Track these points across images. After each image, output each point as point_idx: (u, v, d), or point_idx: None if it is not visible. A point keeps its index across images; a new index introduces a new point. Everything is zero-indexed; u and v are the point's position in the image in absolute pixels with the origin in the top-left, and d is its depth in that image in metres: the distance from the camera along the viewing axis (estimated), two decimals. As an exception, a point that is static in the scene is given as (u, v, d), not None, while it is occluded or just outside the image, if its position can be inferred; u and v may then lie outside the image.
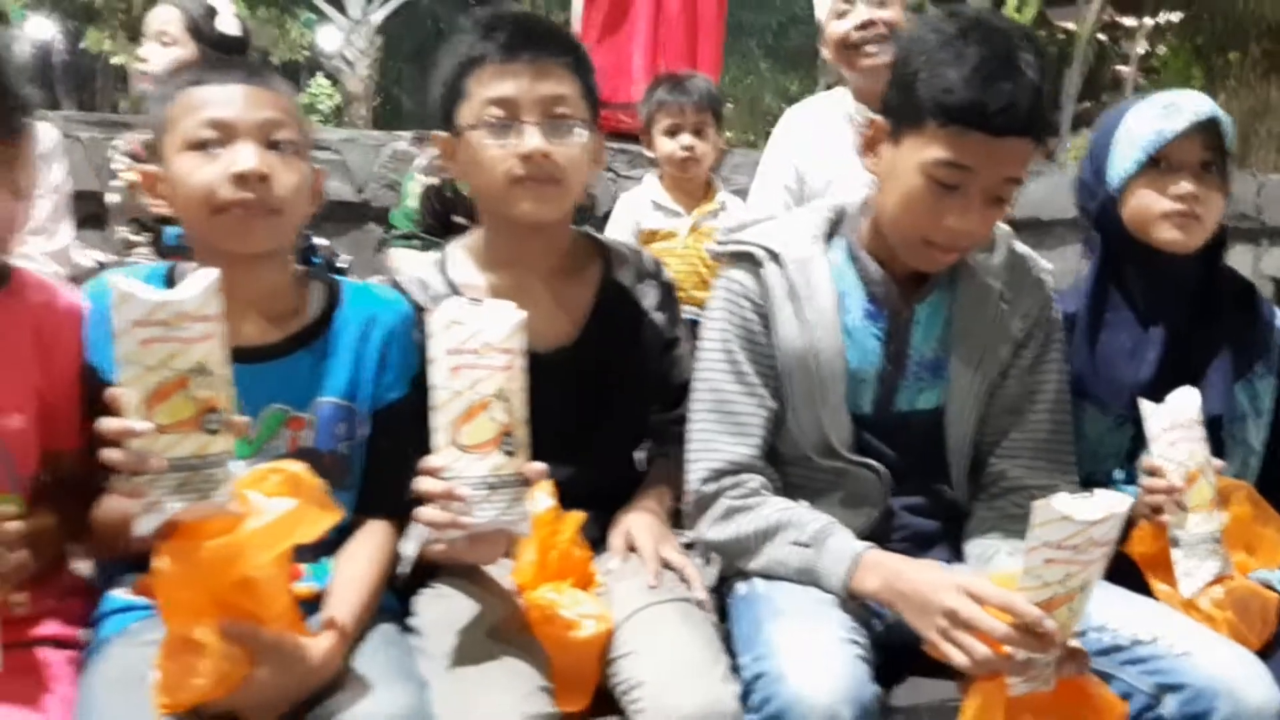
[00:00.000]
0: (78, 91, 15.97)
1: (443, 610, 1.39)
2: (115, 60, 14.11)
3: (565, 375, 1.54)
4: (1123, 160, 1.59)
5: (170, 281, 1.39)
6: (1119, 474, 1.65)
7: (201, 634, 1.17)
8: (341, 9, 15.07)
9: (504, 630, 1.35)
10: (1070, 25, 14.25)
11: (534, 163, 1.46)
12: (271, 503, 1.20)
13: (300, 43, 15.72)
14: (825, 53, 2.94)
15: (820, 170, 2.53)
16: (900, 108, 1.40)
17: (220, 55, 2.26)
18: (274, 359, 1.39)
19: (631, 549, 1.52)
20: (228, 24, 2.55)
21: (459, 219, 2.40)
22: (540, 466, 1.28)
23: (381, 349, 1.44)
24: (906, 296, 1.53)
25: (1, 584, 1.16)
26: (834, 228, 1.57)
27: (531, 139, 1.46)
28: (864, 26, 2.72)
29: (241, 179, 1.31)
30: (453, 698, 1.25)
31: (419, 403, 1.37)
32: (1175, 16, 14.31)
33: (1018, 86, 1.33)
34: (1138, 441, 1.59)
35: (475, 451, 1.25)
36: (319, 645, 1.23)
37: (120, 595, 1.35)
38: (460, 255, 1.61)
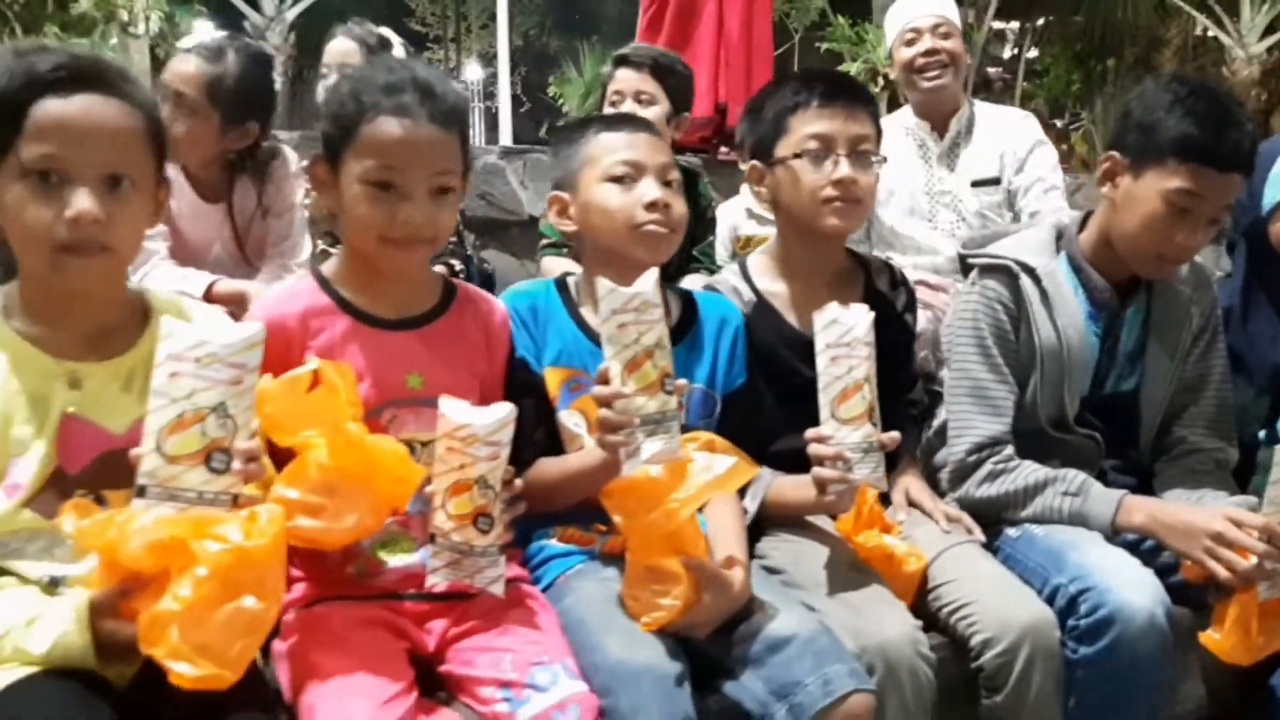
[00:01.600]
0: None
1: (796, 552, 1.72)
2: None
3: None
4: (1273, 191, 2.02)
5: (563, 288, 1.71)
6: (1261, 434, 2.07)
7: (671, 565, 1.49)
8: (255, 6, 14.91)
9: (855, 564, 1.69)
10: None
11: (843, 187, 1.80)
12: (716, 459, 1.52)
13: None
14: (893, 73, 3.36)
15: (882, 180, 2.93)
16: (1142, 148, 1.79)
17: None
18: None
19: (910, 504, 1.88)
20: (399, 54, 2.79)
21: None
22: (895, 435, 1.62)
23: (731, 344, 1.76)
24: (1118, 300, 1.93)
25: (505, 528, 1.45)
26: (1056, 243, 1.95)
27: (843, 168, 1.80)
28: (928, 54, 3.16)
29: (652, 206, 1.63)
30: (843, 614, 1.58)
31: (755, 387, 1.72)
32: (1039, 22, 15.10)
33: (1241, 134, 1.73)
34: (1276, 409, 2.03)
35: (852, 424, 1.59)
36: (738, 575, 1.54)
37: (554, 544, 1.64)
38: (759, 265, 1.93)
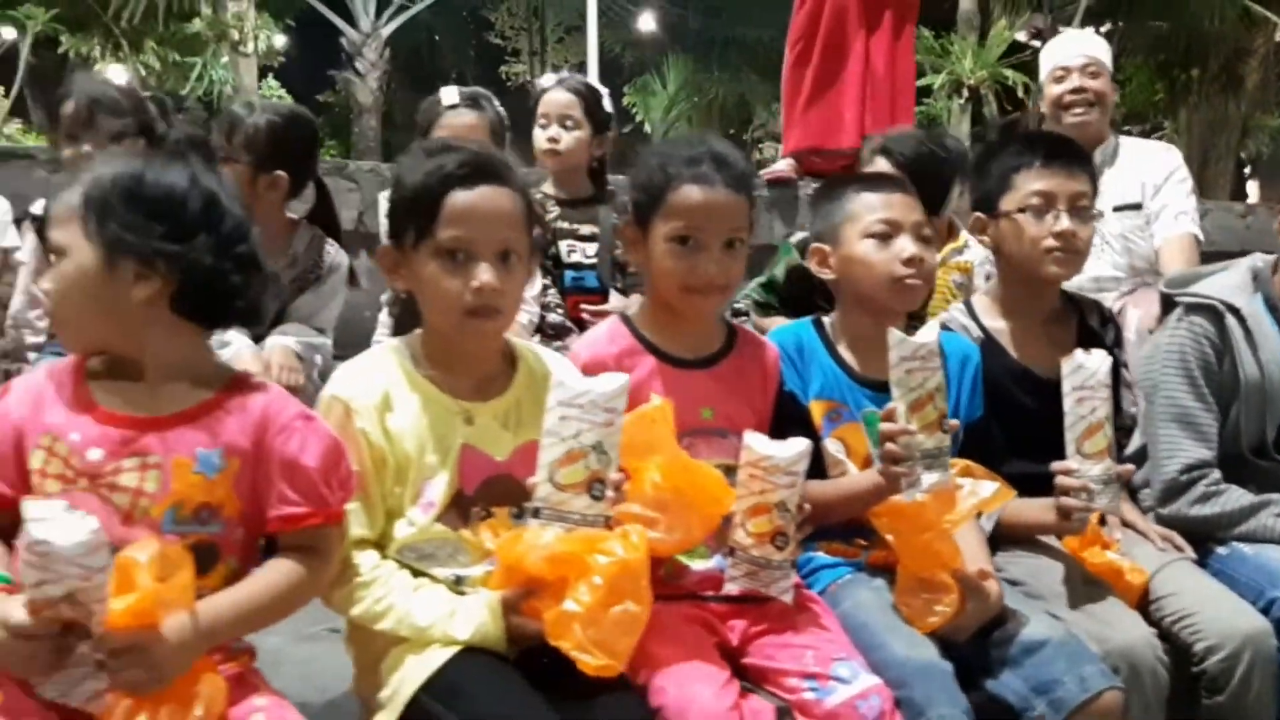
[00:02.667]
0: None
1: (1033, 566, 1.94)
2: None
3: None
4: None
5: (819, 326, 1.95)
6: None
7: (942, 576, 1.71)
8: (352, 22, 15.42)
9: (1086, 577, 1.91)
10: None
11: (1064, 239, 2.01)
12: (981, 484, 1.74)
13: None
14: (1042, 107, 3.56)
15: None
16: None
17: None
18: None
19: (1124, 525, 2.08)
20: (607, 104, 3.04)
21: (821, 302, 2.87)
22: (1130, 467, 1.83)
23: (972, 379, 1.98)
24: (1310, 336, 2.12)
25: (797, 545, 1.69)
26: (1253, 284, 2.15)
27: (1064, 222, 2.01)
28: (1076, 92, 3.36)
29: (909, 261, 1.85)
30: (1084, 622, 1.79)
31: (988, 417, 1.94)
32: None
33: None
34: None
35: (1094, 459, 1.79)
36: (993, 586, 1.76)
37: (821, 555, 1.87)
38: (983, 305, 2.15)
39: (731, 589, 1.67)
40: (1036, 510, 1.89)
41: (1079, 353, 1.81)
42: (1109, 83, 3.50)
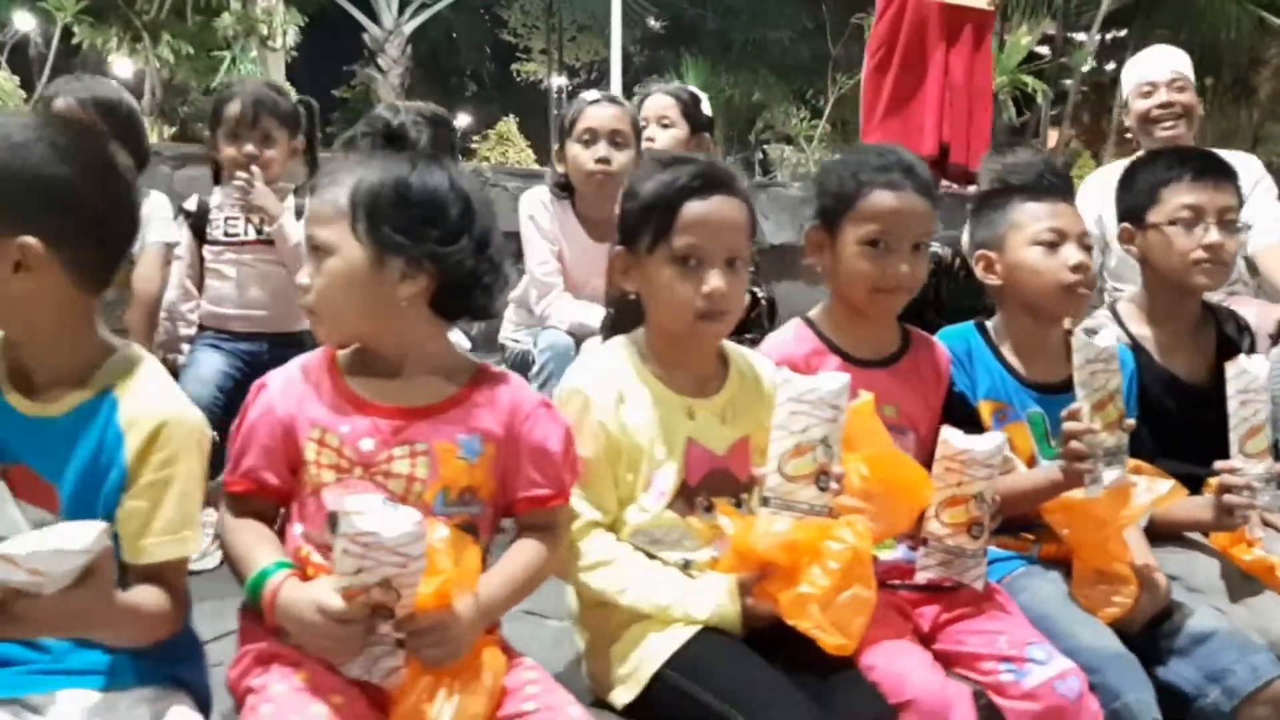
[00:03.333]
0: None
1: (1187, 562, 2.03)
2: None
3: (1209, 402, 2.19)
4: None
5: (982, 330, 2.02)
6: None
7: (1121, 569, 1.81)
8: (375, 19, 15.49)
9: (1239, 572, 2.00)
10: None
11: (1213, 251, 2.10)
12: (1157, 482, 1.84)
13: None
14: (1128, 121, 3.65)
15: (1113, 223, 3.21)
16: None
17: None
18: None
19: (1265, 524, 2.17)
20: (706, 108, 3.13)
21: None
22: (1287, 469, 1.92)
23: (1128, 384, 2.06)
24: None
25: (989, 535, 1.78)
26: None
27: (1212, 234, 2.10)
28: (1163, 106, 3.46)
29: (1077, 268, 1.94)
30: (1244, 614, 1.88)
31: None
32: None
33: None
34: None
35: (1256, 458, 1.88)
36: (1162, 579, 1.86)
37: (993, 548, 1.96)
38: (1128, 311, 2.24)
39: (922, 578, 1.76)
40: (1192, 508, 1.98)
41: (1242, 358, 1.91)
42: (1194, 95, 3.60)
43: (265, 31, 12.76)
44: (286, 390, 1.47)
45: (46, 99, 2.52)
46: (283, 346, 2.52)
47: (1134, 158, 2.30)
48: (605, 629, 1.60)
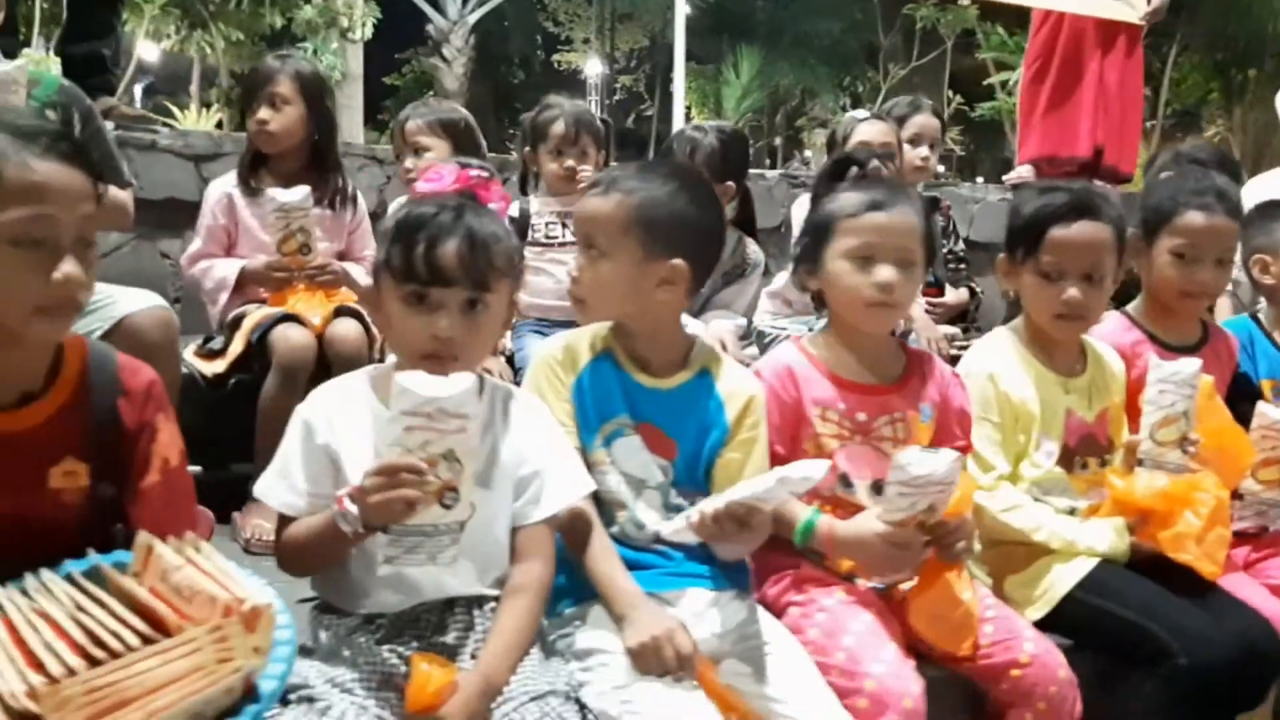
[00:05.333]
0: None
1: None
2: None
3: None
4: None
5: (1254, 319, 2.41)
6: None
7: None
8: (440, 9, 15.85)
9: None
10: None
11: None
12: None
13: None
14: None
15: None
16: None
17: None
18: None
19: None
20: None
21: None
22: None
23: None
24: None
25: None
26: None
27: None
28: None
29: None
30: None
31: None
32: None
33: None
34: None
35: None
36: None
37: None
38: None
39: (1239, 525, 2.14)
40: None
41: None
42: None
43: (345, 24, 13.15)
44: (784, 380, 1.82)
45: (400, 121, 2.92)
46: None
47: None
48: (1008, 562, 1.99)
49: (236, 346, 2.61)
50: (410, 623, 1.47)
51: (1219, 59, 16.68)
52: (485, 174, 1.53)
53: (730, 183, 2.94)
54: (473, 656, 1.46)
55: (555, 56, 23.41)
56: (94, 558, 1.28)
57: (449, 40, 15.93)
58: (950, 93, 17.11)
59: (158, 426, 1.42)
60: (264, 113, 2.73)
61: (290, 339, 2.51)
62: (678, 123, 13.21)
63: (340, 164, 2.88)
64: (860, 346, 1.85)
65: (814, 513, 1.71)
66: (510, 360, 2.81)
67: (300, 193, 2.61)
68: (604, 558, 1.59)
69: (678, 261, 1.64)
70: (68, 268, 1.28)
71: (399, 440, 1.31)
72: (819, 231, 1.81)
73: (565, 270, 2.99)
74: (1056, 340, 2.06)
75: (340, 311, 2.65)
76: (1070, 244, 1.98)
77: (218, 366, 2.62)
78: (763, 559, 1.78)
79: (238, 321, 2.64)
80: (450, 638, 1.48)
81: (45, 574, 1.25)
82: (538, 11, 21.25)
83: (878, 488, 1.72)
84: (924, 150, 3.34)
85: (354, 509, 1.34)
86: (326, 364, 2.57)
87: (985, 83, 15.49)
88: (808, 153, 21.04)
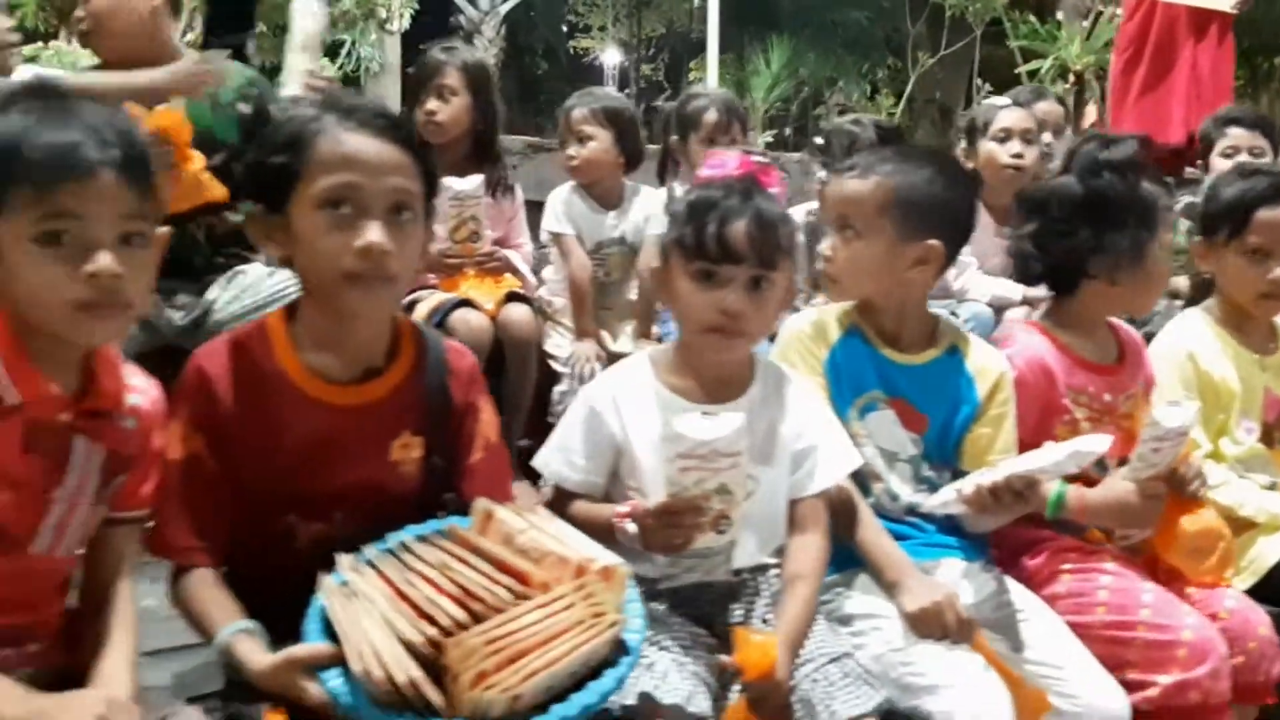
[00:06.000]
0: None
1: None
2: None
3: None
4: None
5: None
6: None
7: None
8: (472, 0, 15.88)
9: None
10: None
11: None
12: None
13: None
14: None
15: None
16: None
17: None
18: None
19: None
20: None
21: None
22: None
23: None
24: None
25: None
26: None
27: None
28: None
29: None
30: None
31: None
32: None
33: None
34: None
35: None
36: None
37: None
38: None
39: None
40: None
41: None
42: None
43: (384, 15, 13.20)
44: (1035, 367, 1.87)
45: (566, 109, 2.98)
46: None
47: None
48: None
49: (413, 331, 2.68)
50: (703, 589, 1.54)
51: (1245, 46, 16.64)
52: (764, 160, 1.59)
53: None
54: (763, 621, 1.53)
55: (571, 43, 23.44)
56: (439, 521, 1.35)
57: (480, 31, 15.93)
58: (979, 80, 17.12)
59: (480, 406, 1.50)
60: (432, 104, 2.79)
61: (470, 322, 2.58)
62: (711, 112, 13.18)
63: (501, 154, 2.95)
64: (1094, 327, 1.91)
65: (1061, 484, 1.77)
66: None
67: (474, 181, 2.68)
68: (870, 527, 1.66)
69: (934, 242, 1.71)
70: (372, 235, 1.29)
71: (676, 480, 1.39)
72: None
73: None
74: (1253, 319, 2.12)
75: (511, 297, 2.72)
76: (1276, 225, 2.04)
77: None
78: (1008, 534, 1.81)
79: (411, 306, 2.71)
80: (739, 606, 1.56)
81: (404, 536, 1.32)
82: (562, 2, 21.23)
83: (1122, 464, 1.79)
84: (1047, 137, 3.39)
85: (633, 529, 1.43)
86: (499, 348, 2.65)
87: (1016, 71, 15.51)
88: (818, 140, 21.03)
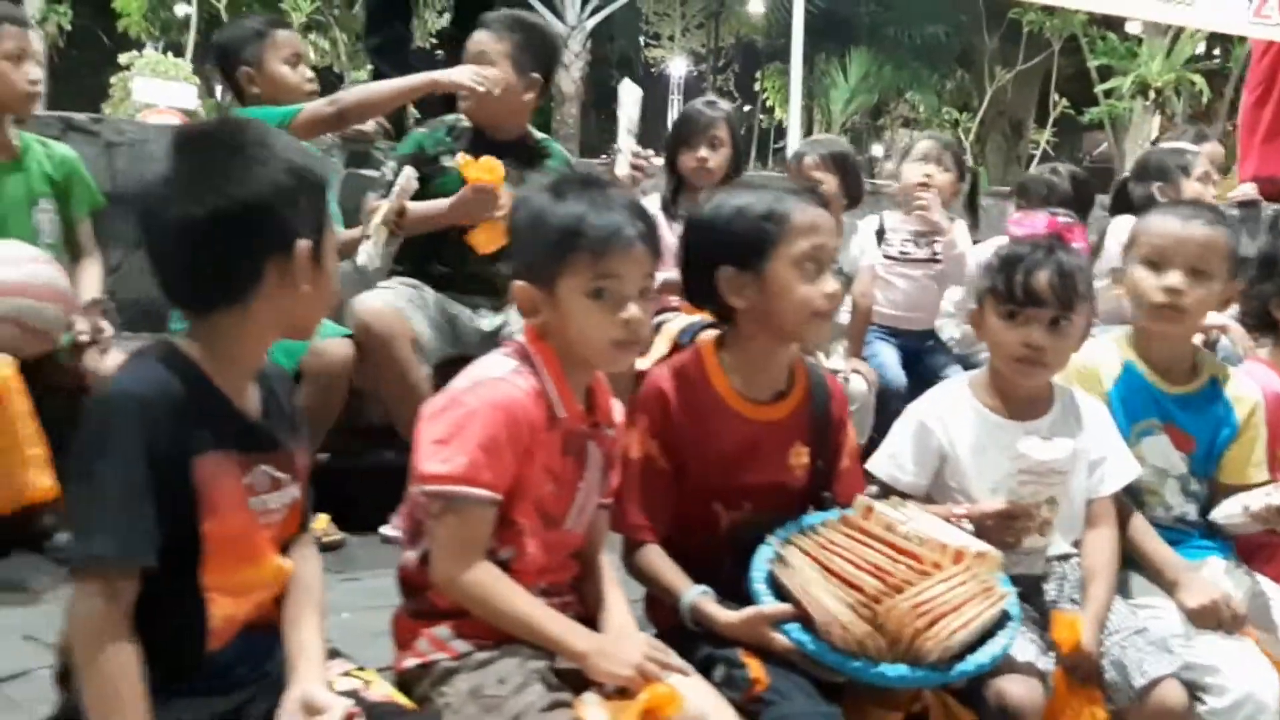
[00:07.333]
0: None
1: None
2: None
3: None
4: None
5: None
6: None
7: None
8: (559, 14, 16.28)
9: None
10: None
11: None
12: None
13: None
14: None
15: None
16: None
17: None
18: None
19: None
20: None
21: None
22: None
23: None
24: None
25: None
26: None
27: None
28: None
29: None
30: None
31: None
32: None
33: None
34: None
35: None
36: None
37: None
38: None
39: None
40: None
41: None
42: None
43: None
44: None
45: (797, 156, 3.31)
46: (924, 339, 3.41)
47: None
48: None
49: (661, 347, 3.00)
50: (1022, 576, 1.86)
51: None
52: (1069, 220, 1.92)
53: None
54: (1071, 600, 1.86)
55: (644, 54, 23.78)
56: (828, 513, 1.69)
57: (567, 45, 16.32)
58: (1056, 95, 17.28)
59: (847, 423, 1.83)
60: (704, 151, 3.12)
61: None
62: (794, 127, 13.52)
63: None
64: None
65: None
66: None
67: None
68: (1147, 532, 1.97)
69: (1238, 283, 2.04)
70: (829, 286, 1.67)
71: (1014, 491, 1.75)
72: None
73: (911, 284, 3.38)
74: None
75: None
76: None
77: (643, 363, 3.03)
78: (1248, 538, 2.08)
79: (657, 326, 3.04)
80: (1051, 587, 1.89)
81: (812, 521, 1.66)
82: (639, 14, 21.61)
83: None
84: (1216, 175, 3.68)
85: (969, 528, 1.74)
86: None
87: (1097, 89, 15.66)
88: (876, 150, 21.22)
